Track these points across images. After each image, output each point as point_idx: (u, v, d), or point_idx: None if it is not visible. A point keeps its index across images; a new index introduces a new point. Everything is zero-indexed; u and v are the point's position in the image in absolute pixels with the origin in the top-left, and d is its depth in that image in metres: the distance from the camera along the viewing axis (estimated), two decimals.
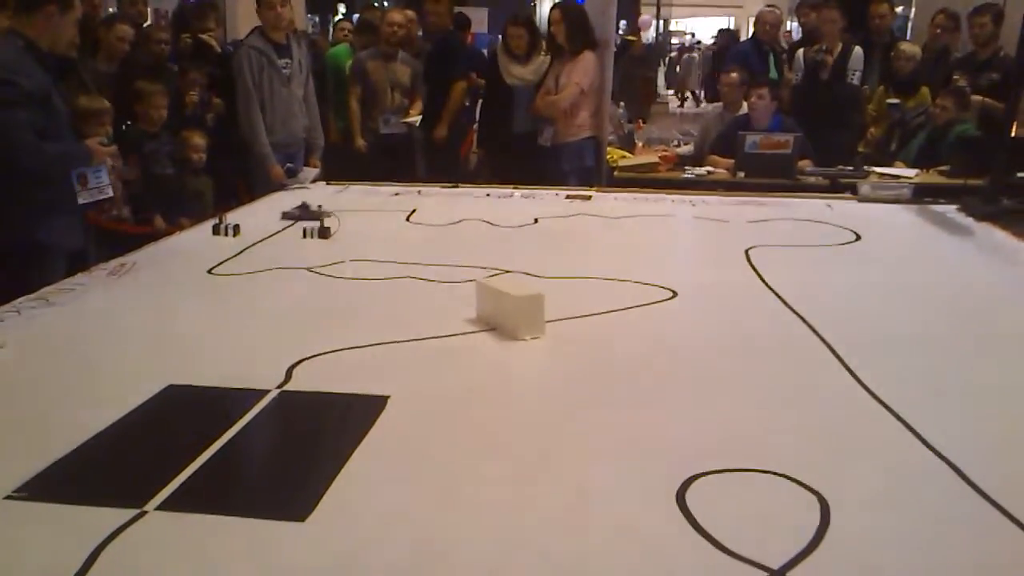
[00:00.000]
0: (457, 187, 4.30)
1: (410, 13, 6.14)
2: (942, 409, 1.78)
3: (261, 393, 1.81)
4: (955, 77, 5.75)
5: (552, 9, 5.28)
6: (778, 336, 2.21)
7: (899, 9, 8.72)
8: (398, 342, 2.12)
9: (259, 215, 3.52)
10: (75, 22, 3.40)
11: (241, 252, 2.96)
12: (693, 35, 25.13)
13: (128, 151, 4.17)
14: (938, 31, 6.34)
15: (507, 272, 2.61)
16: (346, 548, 1.29)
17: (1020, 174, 4.05)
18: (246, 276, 2.70)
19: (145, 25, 6.35)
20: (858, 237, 3.26)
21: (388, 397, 1.78)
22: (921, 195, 4.07)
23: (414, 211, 3.63)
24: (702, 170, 5.47)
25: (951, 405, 1.82)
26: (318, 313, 2.39)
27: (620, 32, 14.28)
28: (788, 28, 10.97)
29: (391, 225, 3.44)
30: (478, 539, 1.31)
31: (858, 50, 5.91)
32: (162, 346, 2.13)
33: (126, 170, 4.21)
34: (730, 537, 1.29)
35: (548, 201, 3.92)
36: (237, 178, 5.16)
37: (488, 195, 4.06)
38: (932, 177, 5.14)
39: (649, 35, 18.83)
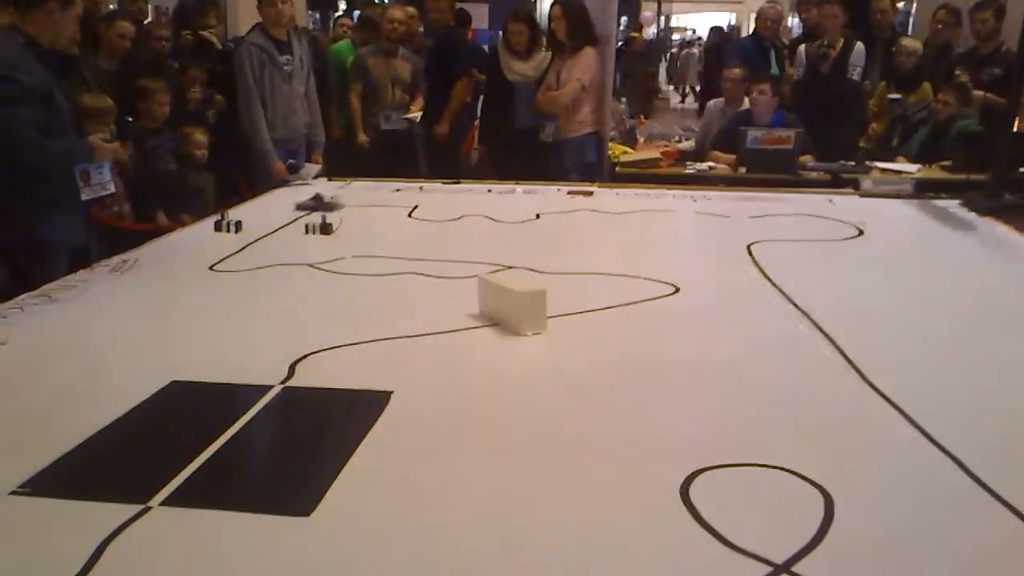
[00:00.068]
0: (459, 183, 4.29)
1: (411, 9, 6.13)
2: (945, 403, 1.78)
3: (264, 389, 1.81)
4: (957, 72, 5.75)
5: (553, 5, 5.27)
6: (780, 331, 2.21)
7: (900, 4, 8.73)
8: (401, 338, 2.12)
9: (261, 211, 3.52)
10: (76, 18, 3.40)
11: (243, 248, 2.96)
12: (694, 31, 25.13)
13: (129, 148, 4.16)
14: (939, 26, 6.32)
15: (509, 268, 2.61)
16: (349, 544, 1.29)
17: (1022, 169, 4.05)
18: (248, 272, 2.70)
19: (146, 22, 6.35)
20: (860, 232, 3.25)
21: (391, 393, 1.78)
22: (923, 190, 4.07)
23: (416, 207, 3.62)
24: (704, 165, 5.47)
25: (954, 399, 1.82)
26: (321, 309, 2.39)
27: (621, 28, 14.28)
28: (789, 25, 10.95)
29: (393, 221, 3.44)
30: (480, 535, 1.31)
31: (859, 46, 5.90)
32: (165, 342, 2.14)
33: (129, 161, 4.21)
34: (734, 532, 1.29)
35: (550, 197, 3.91)
36: (238, 175, 5.16)
37: (490, 191, 4.06)
38: (934, 172, 5.14)
39: (650, 31, 18.84)
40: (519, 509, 1.38)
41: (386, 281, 2.61)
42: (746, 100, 5.63)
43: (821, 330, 2.17)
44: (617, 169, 5.39)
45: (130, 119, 4.51)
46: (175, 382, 1.84)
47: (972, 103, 5.50)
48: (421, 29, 6.35)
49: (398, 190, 4.04)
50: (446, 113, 5.78)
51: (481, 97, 6.02)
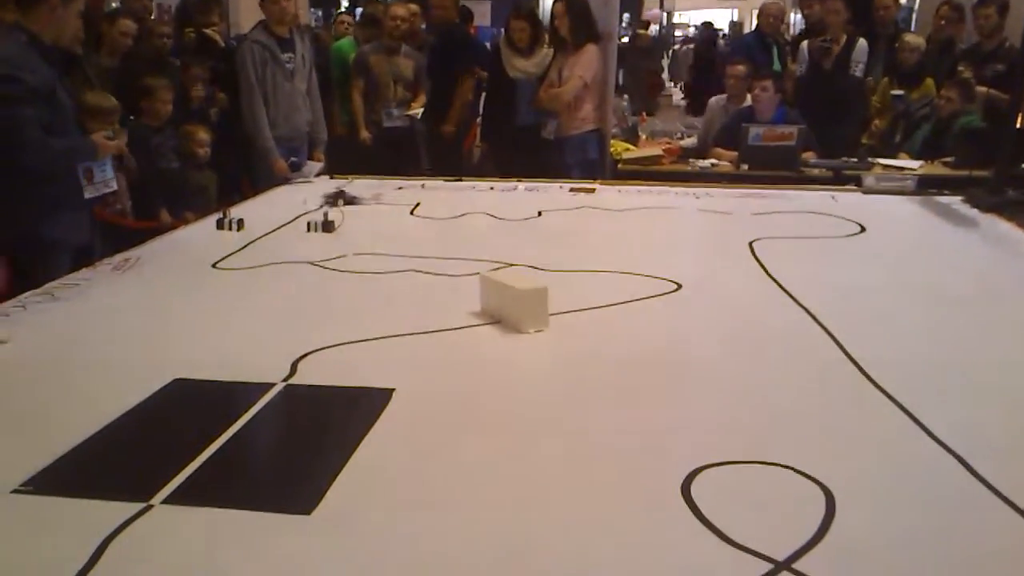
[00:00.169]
0: (461, 180, 4.29)
1: (414, 7, 6.13)
2: (947, 400, 1.78)
3: (266, 387, 1.81)
4: (960, 68, 5.73)
5: (555, 2, 5.26)
6: (782, 328, 2.21)
7: (903, 0, 8.70)
8: (403, 336, 2.12)
9: (263, 209, 3.53)
10: (78, 14, 3.39)
11: (245, 246, 2.96)
12: (696, 27, 25.04)
13: (133, 146, 4.17)
14: (943, 22, 6.31)
15: (511, 265, 2.61)
16: (351, 542, 1.29)
17: None
18: (250, 270, 2.70)
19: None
20: (862, 229, 3.25)
21: (393, 390, 1.78)
22: (925, 187, 4.06)
23: (418, 205, 3.62)
24: (706, 162, 5.46)
25: (956, 396, 1.82)
26: (323, 307, 2.40)
27: (624, 24, 14.27)
28: (792, 21, 10.93)
29: (395, 219, 3.44)
30: (482, 532, 1.32)
31: (862, 42, 5.89)
32: (167, 340, 2.14)
33: (131, 161, 4.22)
34: (736, 529, 1.29)
35: (552, 194, 3.91)
36: (241, 173, 5.16)
37: (492, 188, 4.06)
38: (937, 168, 5.13)
39: (654, 28, 18.82)
40: (521, 506, 1.38)
41: (388, 279, 2.61)
42: (748, 97, 5.62)
43: (823, 327, 2.17)
44: (619, 166, 5.39)
45: (132, 117, 4.51)
46: (177, 380, 1.85)
47: (975, 99, 5.49)
48: (424, 26, 6.34)
49: (400, 188, 4.04)
50: (452, 111, 5.78)
51: (483, 94, 6.02)
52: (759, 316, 2.32)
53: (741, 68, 5.85)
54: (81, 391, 1.83)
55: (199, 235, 3.20)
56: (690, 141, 6.19)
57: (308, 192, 3.80)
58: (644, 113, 8.17)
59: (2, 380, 1.89)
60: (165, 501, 1.38)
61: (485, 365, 1.99)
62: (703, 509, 1.35)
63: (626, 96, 7.47)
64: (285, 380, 1.85)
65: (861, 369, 1.91)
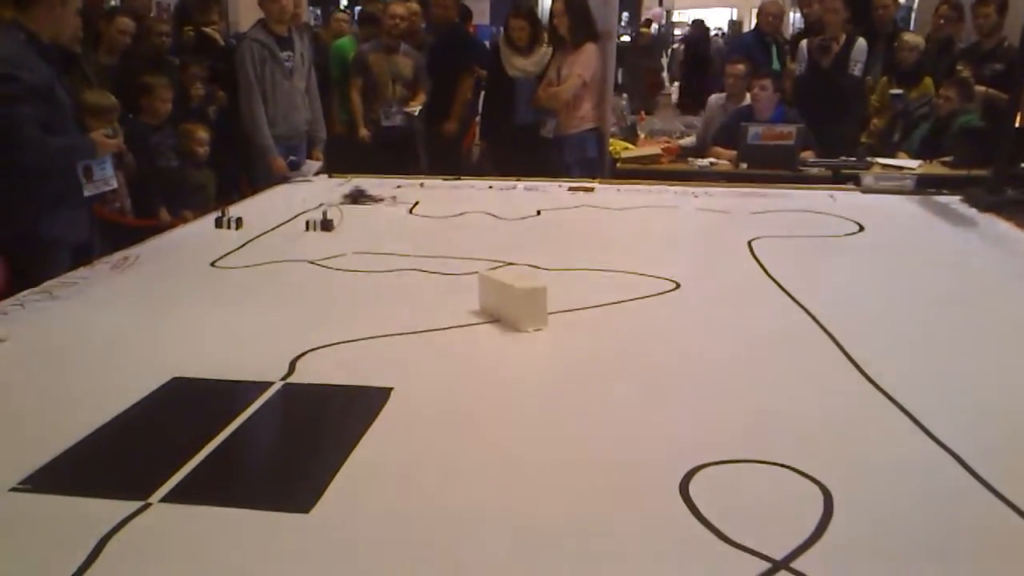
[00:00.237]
0: (459, 179, 4.29)
1: (413, 5, 6.13)
2: (945, 399, 1.78)
3: (265, 385, 1.81)
4: (959, 68, 5.74)
5: (554, 1, 5.27)
6: (781, 327, 2.21)
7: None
8: (401, 334, 2.12)
9: (262, 208, 3.53)
10: (76, 12, 3.39)
11: (244, 245, 2.96)
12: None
13: (132, 144, 4.17)
14: (942, 21, 6.31)
15: (510, 264, 2.61)
16: (349, 540, 1.29)
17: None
18: (249, 269, 2.70)
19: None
20: (861, 228, 3.25)
21: (391, 389, 1.78)
22: (924, 186, 4.07)
23: (417, 203, 3.63)
24: (705, 161, 5.47)
25: (954, 395, 1.82)
26: (321, 305, 2.39)
27: (623, 23, 14.27)
28: (791, 20, 10.94)
29: (394, 217, 3.44)
30: (480, 531, 1.32)
31: (861, 42, 5.89)
32: (166, 339, 2.14)
33: (131, 160, 4.22)
34: (733, 528, 1.29)
35: (551, 193, 3.92)
36: (239, 171, 5.16)
37: (491, 187, 4.06)
38: (935, 168, 5.13)
39: (654, 26, 18.81)
40: (518, 505, 1.38)
41: (386, 277, 2.61)
42: (747, 96, 5.62)
43: (821, 326, 2.17)
44: (618, 165, 5.40)
45: (131, 115, 4.51)
46: (176, 378, 1.84)
47: (974, 98, 5.49)
48: (423, 25, 6.34)
49: (399, 186, 4.04)
50: (453, 111, 5.78)
51: (482, 93, 6.02)
52: (757, 315, 2.32)
53: (740, 67, 5.86)
54: (79, 389, 1.83)
55: (198, 233, 3.20)
56: (689, 140, 6.19)
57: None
58: (643, 112, 8.18)
59: (1, 378, 1.89)
60: (163, 499, 1.38)
61: (484, 364, 1.99)
62: (701, 508, 1.35)
63: (625, 95, 7.48)
64: (283, 379, 1.85)
65: (859, 368, 1.91)
